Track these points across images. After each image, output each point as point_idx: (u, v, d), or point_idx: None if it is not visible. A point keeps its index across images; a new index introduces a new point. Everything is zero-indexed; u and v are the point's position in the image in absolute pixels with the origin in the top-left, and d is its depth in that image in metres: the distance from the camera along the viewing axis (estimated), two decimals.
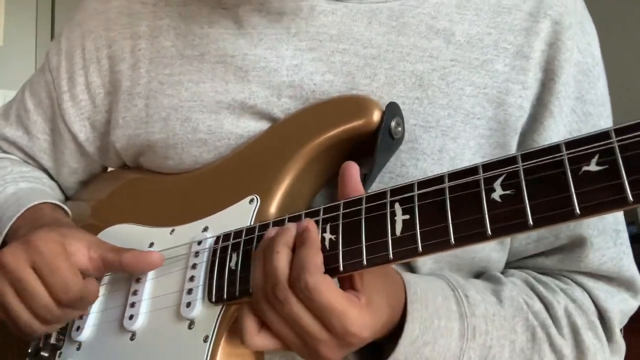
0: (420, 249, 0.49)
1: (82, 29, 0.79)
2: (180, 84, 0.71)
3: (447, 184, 0.49)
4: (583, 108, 0.69)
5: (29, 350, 0.71)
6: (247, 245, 0.59)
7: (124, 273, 0.67)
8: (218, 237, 0.62)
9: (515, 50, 0.67)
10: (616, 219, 0.70)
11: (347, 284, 0.54)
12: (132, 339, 0.64)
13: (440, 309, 0.59)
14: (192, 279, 0.62)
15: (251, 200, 0.64)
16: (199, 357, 0.58)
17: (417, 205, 0.50)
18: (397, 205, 0.51)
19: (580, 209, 0.42)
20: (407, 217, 0.50)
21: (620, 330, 0.69)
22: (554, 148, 0.45)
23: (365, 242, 0.51)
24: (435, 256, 0.65)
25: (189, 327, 0.61)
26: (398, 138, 0.63)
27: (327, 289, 0.50)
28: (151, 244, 0.69)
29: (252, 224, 0.62)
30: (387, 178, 0.64)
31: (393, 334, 0.57)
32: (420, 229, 0.49)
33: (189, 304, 0.61)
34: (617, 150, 0.42)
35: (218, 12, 0.72)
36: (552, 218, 0.44)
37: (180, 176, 0.71)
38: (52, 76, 0.80)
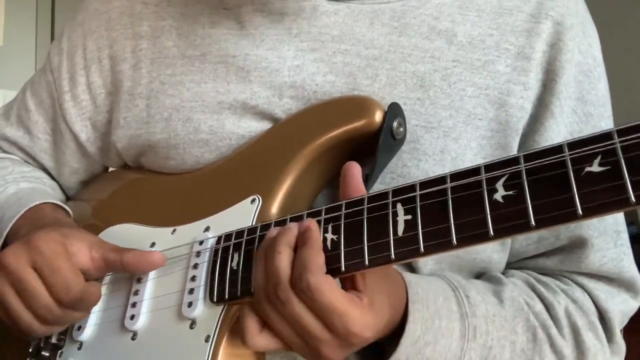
0: (422, 250, 0.49)
1: (84, 29, 0.79)
2: (181, 84, 0.71)
3: (449, 185, 0.49)
4: (584, 109, 0.69)
5: (30, 350, 0.70)
6: (248, 245, 0.59)
7: (126, 273, 0.67)
8: (220, 237, 0.62)
9: (517, 51, 0.67)
10: (616, 220, 0.70)
11: (348, 284, 0.54)
12: (133, 338, 0.64)
13: (441, 309, 0.59)
14: (193, 278, 0.62)
15: (253, 200, 0.64)
16: (201, 357, 0.58)
17: (419, 206, 0.50)
18: (399, 206, 0.51)
19: (582, 210, 0.42)
20: (409, 217, 0.50)
21: (620, 330, 0.70)
22: (557, 149, 0.45)
23: (367, 243, 0.51)
24: (437, 257, 0.65)
25: (191, 327, 0.61)
26: (400, 139, 0.63)
27: (328, 289, 0.51)
28: (152, 244, 0.69)
29: (253, 224, 0.62)
30: (389, 178, 0.64)
31: (394, 334, 0.57)
32: (422, 229, 0.49)
33: (190, 304, 0.61)
34: (620, 151, 0.42)
35: (220, 12, 0.72)
36: (555, 219, 0.44)
37: (182, 176, 0.71)
38: (54, 76, 0.80)
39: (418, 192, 0.51)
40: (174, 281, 0.64)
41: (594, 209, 0.42)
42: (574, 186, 0.43)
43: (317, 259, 0.51)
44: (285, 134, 0.66)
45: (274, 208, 0.63)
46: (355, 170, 0.57)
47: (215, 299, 0.59)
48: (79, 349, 0.68)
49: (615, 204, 0.41)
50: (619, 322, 0.69)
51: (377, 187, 0.62)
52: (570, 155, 0.44)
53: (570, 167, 0.44)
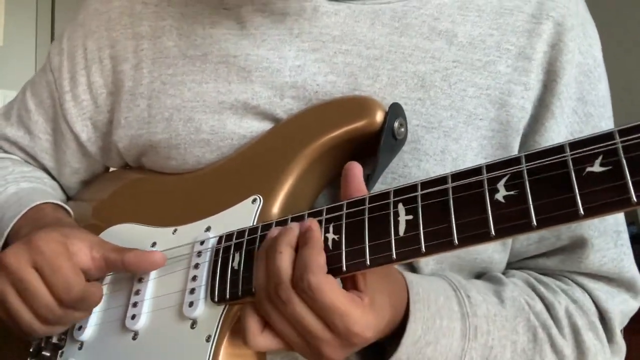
0: (424, 250, 0.49)
1: (84, 29, 0.79)
2: (182, 84, 0.71)
3: (450, 185, 0.49)
4: (584, 109, 0.69)
5: (31, 350, 0.70)
6: (249, 245, 0.59)
7: (127, 273, 0.67)
8: (221, 237, 0.62)
9: (518, 52, 0.67)
10: (617, 220, 0.70)
11: (349, 284, 0.54)
12: (134, 338, 0.64)
13: (442, 309, 0.59)
14: (194, 278, 0.62)
15: (254, 200, 0.64)
16: (201, 356, 0.58)
17: (420, 206, 0.50)
18: (400, 206, 0.51)
19: (584, 210, 0.42)
20: (410, 217, 0.50)
21: (620, 330, 0.70)
22: (558, 149, 0.45)
23: (369, 242, 0.51)
24: (438, 257, 0.65)
25: (192, 327, 0.61)
26: (401, 139, 0.63)
27: (329, 289, 0.51)
28: (153, 244, 0.69)
29: (254, 224, 0.62)
30: (390, 178, 0.64)
31: (395, 334, 0.57)
32: (423, 229, 0.49)
33: (191, 304, 0.61)
34: (621, 151, 0.42)
35: (220, 12, 0.72)
36: (556, 219, 0.44)
37: (183, 176, 0.71)
38: (54, 76, 0.80)
39: (419, 192, 0.51)
40: (175, 281, 0.64)
41: (595, 209, 0.42)
42: (576, 186, 0.43)
43: (318, 259, 0.52)
44: (287, 134, 0.66)
45: (275, 208, 0.63)
46: (356, 170, 0.57)
47: (216, 299, 0.59)
48: (80, 348, 0.68)
49: (617, 204, 0.41)
50: (619, 322, 0.69)
51: (378, 187, 0.63)
52: (571, 155, 0.44)
53: (571, 167, 0.44)
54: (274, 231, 0.56)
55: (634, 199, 0.41)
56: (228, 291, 0.59)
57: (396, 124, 0.62)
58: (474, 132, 0.65)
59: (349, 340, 0.52)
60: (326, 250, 0.53)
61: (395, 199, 0.52)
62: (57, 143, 0.82)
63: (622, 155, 0.42)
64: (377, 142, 0.61)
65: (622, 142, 0.42)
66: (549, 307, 0.65)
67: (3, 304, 0.63)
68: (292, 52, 0.68)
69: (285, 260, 0.52)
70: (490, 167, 0.48)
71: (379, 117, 0.62)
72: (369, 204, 0.53)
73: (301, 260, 0.52)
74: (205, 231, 0.65)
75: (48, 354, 0.69)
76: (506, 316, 0.63)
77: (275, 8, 0.69)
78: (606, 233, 0.68)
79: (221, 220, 0.65)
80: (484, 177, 0.48)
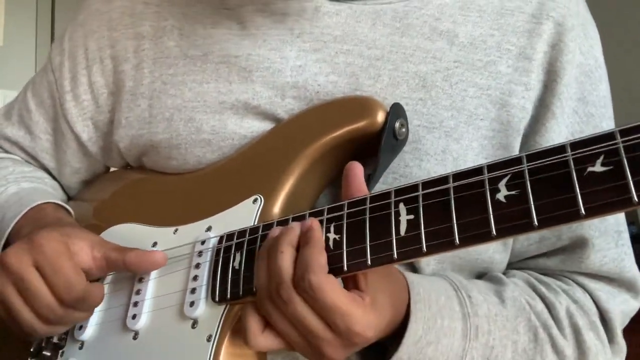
0: (425, 249, 0.49)
1: (85, 29, 0.79)
2: (183, 84, 0.71)
3: (451, 184, 0.49)
4: (585, 109, 0.69)
5: (31, 349, 0.70)
6: (250, 244, 0.59)
7: (127, 272, 0.67)
8: (222, 237, 0.62)
9: (518, 52, 0.67)
10: (617, 220, 0.70)
11: (351, 284, 0.54)
12: (135, 338, 0.64)
13: (443, 309, 0.59)
14: (195, 278, 0.62)
15: (255, 200, 0.64)
16: (202, 356, 0.58)
17: (421, 206, 0.50)
18: (401, 205, 0.51)
19: (585, 210, 0.42)
20: (411, 217, 0.50)
21: (621, 330, 0.70)
22: (559, 149, 0.45)
23: (370, 242, 0.52)
24: (439, 257, 0.65)
25: (192, 327, 0.61)
26: (402, 139, 0.63)
27: (331, 288, 0.51)
28: (154, 244, 0.69)
29: (255, 223, 0.62)
30: (391, 178, 0.64)
31: (396, 334, 0.57)
32: (424, 229, 0.49)
33: (192, 304, 0.61)
34: (622, 151, 0.42)
35: (221, 12, 0.72)
36: (557, 218, 0.44)
37: (184, 176, 0.71)
38: (55, 76, 0.80)
39: (420, 192, 0.51)
40: (175, 281, 0.64)
41: (596, 209, 0.42)
42: (577, 186, 0.43)
43: (319, 259, 0.52)
44: (288, 134, 0.66)
45: (276, 208, 0.63)
46: (357, 170, 0.57)
47: (217, 299, 0.59)
48: (80, 348, 0.68)
49: (618, 204, 0.42)
50: (620, 323, 0.69)
51: (379, 187, 0.63)
52: (572, 155, 0.44)
53: (572, 167, 0.44)
54: (275, 231, 0.56)
55: (635, 198, 0.41)
56: (229, 291, 0.59)
57: (397, 124, 0.62)
58: (474, 132, 0.65)
59: (350, 340, 0.52)
60: (327, 250, 0.53)
61: (397, 199, 0.52)
62: (57, 143, 0.82)
63: (624, 155, 0.42)
64: (378, 142, 0.61)
65: (623, 142, 0.42)
66: (549, 307, 0.65)
67: (4, 304, 0.63)
68: (293, 52, 0.68)
69: (286, 259, 0.52)
70: (492, 167, 0.48)
71: (380, 117, 0.62)
72: (370, 204, 0.53)
73: (302, 259, 0.52)
74: (206, 231, 0.65)
75: (49, 354, 0.69)
76: (507, 316, 0.63)
77: (276, 8, 0.69)
78: (607, 233, 0.68)
79: (222, 220, 0.65)
80: (485, 177, 0.48)
